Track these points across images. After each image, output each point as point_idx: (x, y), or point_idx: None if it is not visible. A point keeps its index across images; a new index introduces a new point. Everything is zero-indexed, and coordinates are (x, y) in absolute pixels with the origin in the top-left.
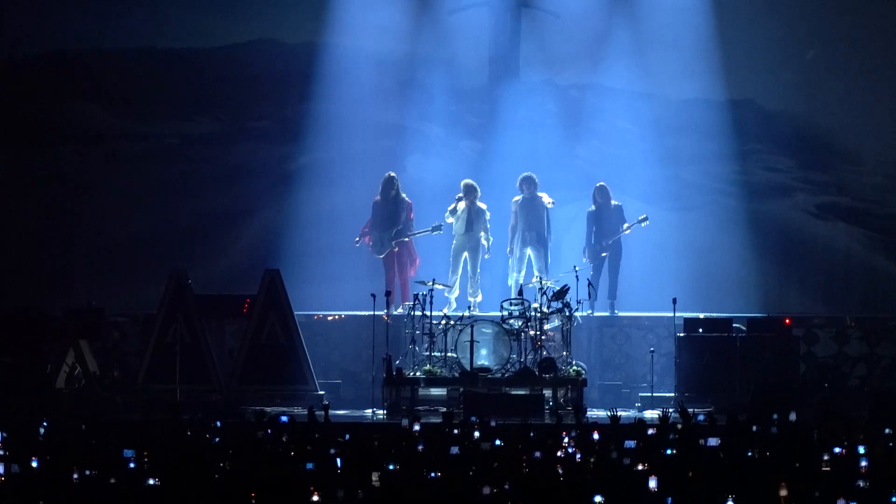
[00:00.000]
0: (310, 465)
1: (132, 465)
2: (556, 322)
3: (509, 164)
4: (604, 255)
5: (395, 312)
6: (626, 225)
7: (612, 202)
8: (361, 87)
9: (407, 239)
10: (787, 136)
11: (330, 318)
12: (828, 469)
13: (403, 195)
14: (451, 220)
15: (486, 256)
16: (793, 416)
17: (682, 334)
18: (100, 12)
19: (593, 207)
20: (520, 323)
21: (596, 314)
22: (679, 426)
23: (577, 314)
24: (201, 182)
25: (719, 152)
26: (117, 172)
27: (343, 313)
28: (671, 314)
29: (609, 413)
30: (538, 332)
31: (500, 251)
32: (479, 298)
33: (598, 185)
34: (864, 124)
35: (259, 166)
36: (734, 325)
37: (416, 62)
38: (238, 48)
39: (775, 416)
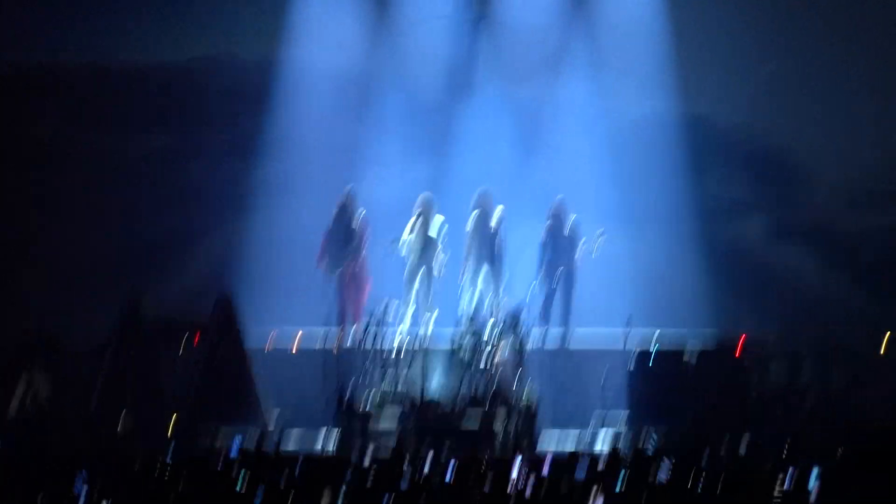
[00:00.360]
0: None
1: (83, 496)
2: (507, 353)
3: (465, 179)
4: (560, 269)
5: (349, 332)
6: (583, 240)
7: (570, 218)
8: (317, 103)
9: (361, 257)
10: (742, 155)
11: (279, 348)
12: (779, 497)
13: (358, 214)
14: (409, 237)
15: (442, 272)
16: (744, 444)
17: (634, 362)
18: (54, 27)
19: (550, 223)
20: (471, 354)
21: (548, 342)
22: (629, 460)
23: (530, 342)
24: (156, 201)
25: (673, 170)
26: (70, 191)
27: (294, 345)
28: (624, 342)
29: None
30: (490, 364)
31: (455, 267)
32: (435, 314)
33: (556, 200)
34: (819, 144)
35: (215, 183)
36: (687, 351)
37: (372, 78)
38: (195, 63)
39: (726, 444)
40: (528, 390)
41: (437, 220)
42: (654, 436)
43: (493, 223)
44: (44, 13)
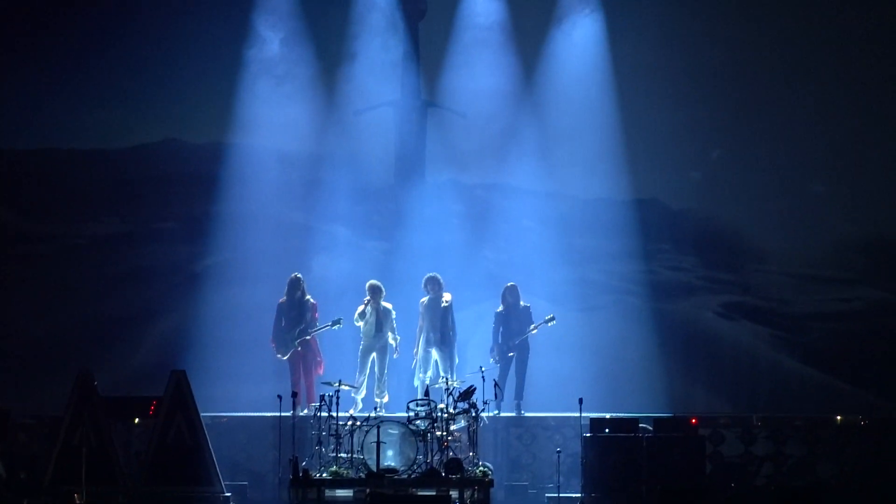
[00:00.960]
0: None
1: None
2: (462, 423)
3: (416, 263)
4: (510, 354)
5: (300, 413)
6: (532, 325)
7: (521, 303)
8: (267, 186)
9: (309, 338)
10: (692, 235)
11: (225, 419)
12: None
13: (308, 297)
14: (360, 323)
15: (394, 356)
16: None
17: (588, 434)
18: (2, 113)
19: (502, 308)
20: (426, 423)
21: (502, 414)
22: None
23: (484, 415)
24: (107, 283)
25: (624, 251)
26: (23, 273)
27: (233, 414)
28: (578, 414)
29: None
30: (444, 433)
31: (407, 351)
32: (386, 399)
33: (508, 285)
34: (768, 223)
35: (166, 267)
36: (640, 424)
37: (322, 161)
38: (142, 148)
39: None
40: (484, 459)
41: (386, 307)
42: None
43: (442, 306)
44: None
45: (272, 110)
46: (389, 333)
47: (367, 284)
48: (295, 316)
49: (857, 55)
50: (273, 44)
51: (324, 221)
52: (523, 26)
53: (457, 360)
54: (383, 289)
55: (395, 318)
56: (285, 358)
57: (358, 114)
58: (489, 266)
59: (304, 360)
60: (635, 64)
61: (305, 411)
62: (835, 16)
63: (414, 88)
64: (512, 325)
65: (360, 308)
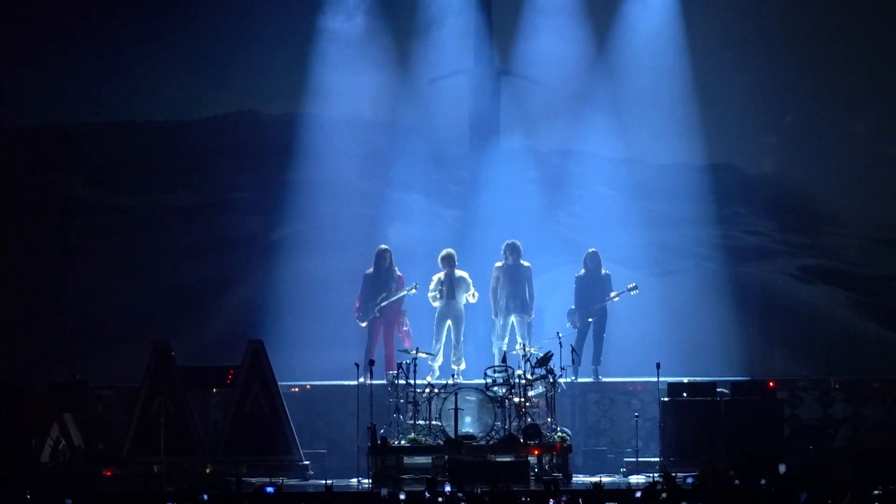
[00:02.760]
0: None
1: None
2: (540, 389)
3: (491, 230)
4: (590, 320)
5: (375, 382)
6: (614, 293)
7: (602, 270)
8: (342, 156)
9: (393, 305)
10: (768, 199)
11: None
12: None
13: (395, 268)
14: (436, 303)
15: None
16: (782, 469)
17: (666, 399)
18: (79, 85)
19: (583, 272)
20: (504, 390)
21: (580, 380)
22: (664, 493)
23: (561, 380)
24: (184, 253)
25: (700, 216)
26: (100, 244)
27: (311, 383)
28: (655, 379)
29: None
30: (522, 399)
31: (485, 317)
32: (463, 366)
33: (589, 250)
34: (844, 186)
35: (242, 237)
36: (718, 389)
37: (396, 130)
38: (218, 120)
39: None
40: (562, 425)
41: (461, 275)
42: (689, 468)
43: (522, 273)
44: (67, 74)
45: (346, 80)
46: (466, 294)
47: (440, 255)
48: (380, 285)
49: None
50: (347, 13)
51: (399, 190)
52: None
53: (534, 326)
54: (455, 256)
55: (471, 284)
56: (364, 324)
57: (432, 82)
58: (564, 232)
59: (385, 328)
60: (708, 28)
61: (386, 372)
62: None
63: (488, 56)
64: (592, 292)
65: (436, 277)
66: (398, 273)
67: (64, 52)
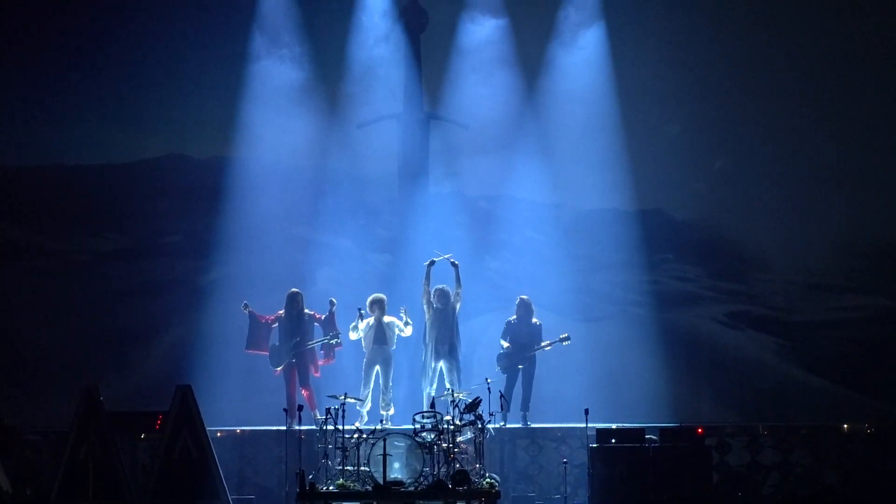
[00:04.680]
0: None
1: None
2: (468, 434)
3: (420, 276)
4: (520, 367)
5: (303, 427)
6: (546, 342)
7: (534, 319)
8: (271, 200)
9: (309, 348)
10: (696, 245)
11: (221, 434)
12: None
13: (307, 310)
14: (353, 336)
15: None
16: None
17: (594, 445)
18: (9, 128)
19: (514, 318)
20: (432, 436)
21: (509, 426)
22: None
23: (490, 426)
24: (113, 297)
25: (628, 262)
26: (28, 287)
27: (240, 428)
28: (584, 424)
29: None
30: (451, 445)
31: (414, 360)
32: (392, 412)
33: (521, 297)
34: (771, 232)
35: (171, 281)
36: (647, 435)
37: (325, 174)
38: (147, 163)
39: None
40: (491, 470)
41: (389, 320)
42: None
43: (451, 315)
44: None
45: (276, 124)
46: (399, 331)
47: (369, 300)
48: (292, 329)
49: (857, 62)
50: (275, 58)
51: (328, 234)
52: (525, 38)
53: (461, 370)
54: (384, 301)
55: (401, 321)
56: (278, 369)
57: (361, 126)
58: (493, 277)
59: (299, 371)
60: (637, 75)
61: (313, 416)
62: (834, 24)
63: (417, 101)
64: (521, 339)
65: (354, 322)
66: (309, 312)
67: None
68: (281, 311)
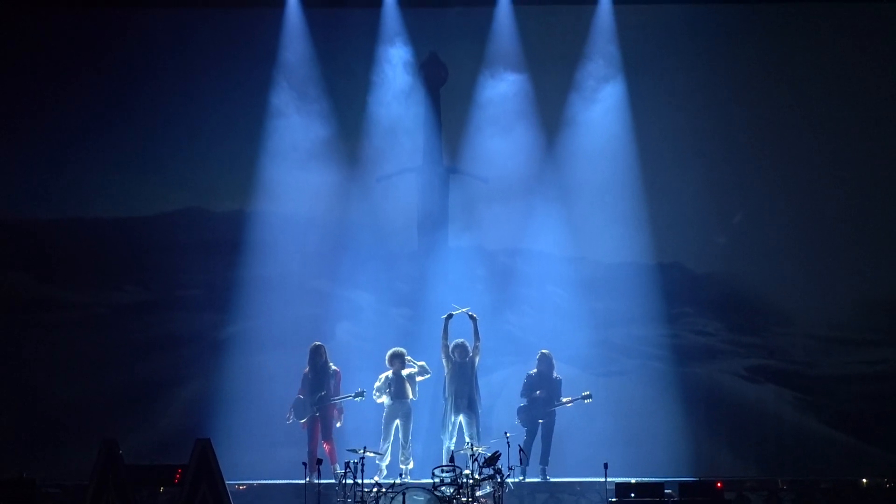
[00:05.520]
0: None
1: None
2: (487, 488)
3: (440, 329)
4: (540, 421)
5: (323, 481)
6: (567, 398)
7: (554, 374)
8: (290, 253)
9: (331, 404)
10: (715, 299)
11: (241, 488)
12: None
13: (331, 364)
14: (380, 400)
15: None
16: None
17: (613, 499)
18: (27, 182)
19: (535, 371)
20: (451, 490)
21: (528, 480)
22: None
23: (509, 480)
24: (132, 350)
25: (647, 316)
26: (47, 340)
27: (259, 482)
28: (603, 479)
29: None
30: (470, 499)
31: (434, 415)
32: (411, 465)
33: (543, 352)
34: (791, 286)
35: (190, 334)
36: (666, 489)
37: (345, 228)
38: (166, 217)
39: None
40: None
41: (408, 373)
42: None
43: (470, 369)
44: (19, 169)
45: (295, 177)
46: (410, 399)
47: (389, 353)
48: (316, 384)
49: (878, 114)
50: (295, 111)
51: (347, 288)
52: (545, 91)
53: (480, 424)
54: (404, 355)
55: (418, 382)
56: (302, 422)
57: (380, 180)
58: (512, 330)
59: (322, 424)
60: (657, 129)
61: (332, 469)
62: (855, 74)
63: (436, 154)
64: (541, 393)
65: (378, 384)
66: (334, 368)
67: (10, 148)
68: (306, 368)
